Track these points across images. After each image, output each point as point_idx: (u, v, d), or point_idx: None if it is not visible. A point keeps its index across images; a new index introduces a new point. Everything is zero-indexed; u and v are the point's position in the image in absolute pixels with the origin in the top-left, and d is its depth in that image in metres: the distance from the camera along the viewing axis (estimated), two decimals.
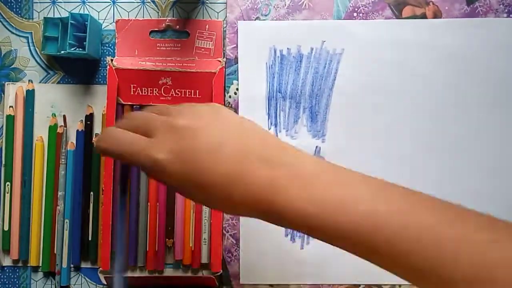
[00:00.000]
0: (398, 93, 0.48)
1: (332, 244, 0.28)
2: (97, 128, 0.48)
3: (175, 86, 0.47)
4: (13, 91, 0.48)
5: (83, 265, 0.48)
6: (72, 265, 0.48)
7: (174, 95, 0.48)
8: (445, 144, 0.47)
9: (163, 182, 0.30)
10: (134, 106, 0.48)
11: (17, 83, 0.49)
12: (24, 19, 0.49)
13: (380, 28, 0.48)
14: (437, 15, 0.48)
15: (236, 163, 0.28)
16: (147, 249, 0.47)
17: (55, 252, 0.47)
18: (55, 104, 0.49)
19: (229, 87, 0.48)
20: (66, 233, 0.47)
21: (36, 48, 0.49)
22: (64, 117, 0.48)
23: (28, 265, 0.48)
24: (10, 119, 0.48)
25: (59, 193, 0.47)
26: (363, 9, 0.48)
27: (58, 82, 0.49)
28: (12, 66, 0.49)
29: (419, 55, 0.48)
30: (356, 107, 0.48)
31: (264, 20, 0.48)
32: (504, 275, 0.24)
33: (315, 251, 0.47)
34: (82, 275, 0.48)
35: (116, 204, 0.46)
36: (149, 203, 0.48)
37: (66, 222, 0.47)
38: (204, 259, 0.47)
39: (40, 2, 0.49)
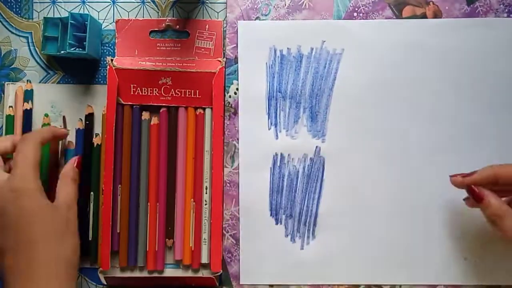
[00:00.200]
0: (398, 93, 0.48)
1: None
2: (97, 128, 0.48)
3: (175, 86, 0.47)
4: (12, 91, 0.48)
5: (83, 265, 0.48)
6: None
7: (174, 95, 0.48)
8: (445, 144, 0.47)
9: None
10: (134, 106, 0.48)
11: (17, 83, 0.49)
12: (24, 19, 0.49)
13: (380, 28, 0.48)
14: (437, 15, 0.48)
15: None
16: (147, 249, 0.47)
17: None
18: (55, 104, 0.49)
19: (229, 87, 0.48)
20: None
21: (36, 48, 0.49)
22: (64, 118, 0.48)
23: None
24: (10, 119, 0.48)
25: None
26: (363, 9, 0.48)
27: (58, 82, 0.49)
28: (12, 66, 0.49)
29: (419, 55, 0.48)
30: (357, 107, 0.48)
31: (264, 20, 0.48)
32: None
33: (315, 252, 0.47)
34: (82, 275, 0.48)
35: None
36: (149, 203, 0.47)
37: None
38: (204, 259, 0.47)
39: (40, 2, 0.49)
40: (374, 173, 0.48)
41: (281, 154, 0.48)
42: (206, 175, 0.48)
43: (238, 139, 0.48)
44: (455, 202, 0.47)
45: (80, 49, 0.46)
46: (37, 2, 0.49)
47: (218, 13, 0.49)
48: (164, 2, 0.49)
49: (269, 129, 0.48)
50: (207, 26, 0.49)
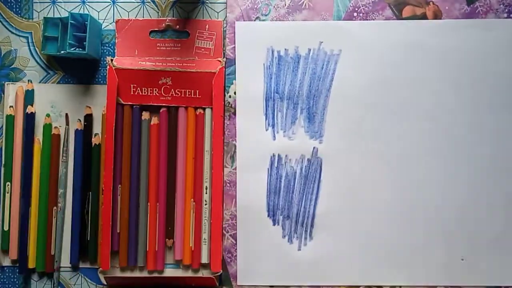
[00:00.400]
0: (397, 93, 0.48)
1: None
2: (97, 128, 0.48)
3: (175, 86, 0.47)
4: (13, 91, 0.48)
5: (82, 265, 0.48)
6: (70, 264, 0.48)
7: (174, 95, 0.48)
8: (444, 144, 0.47)
9: None
10: (134, 106, 0.48)
11: (17, 83, 0.49)
12: (24, 19, 0.49)
13: (379, 28, 0.48)
14: (437, 15, 0.48)
15: None
16: (147, 249, 0.47)
17: (52, 253, 0.47)
18: (55, 104, 0.49)
19: (229, 87, 0.48)
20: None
21: (36, 48, 0.49)
22: (67, 115, 0.48)
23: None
24: (10, 119, 0.48)
25: (60, 191, 0.47)
26: (363, 9, 0.48)
27: (58, 82, 0.49)
28: (12, 66, 0.49)
29: (418, 55, 0.48)
30: (354, 107, 0.48)
31: (264, 20, 0.48)
32: None
33: (313, 253, 0.47)
34: (82, 275, 0.48)
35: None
36: (149, 203, 0.48)
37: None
38: (204, 259, 0.47)
39: (40, 2, 0.49)
40: (372, 174, 0.48)
41: (279, 155, 0.48)
42: (206, 175, 0.48)
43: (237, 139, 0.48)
44: (455, 203, 0.47)
45: (80, 49, 0.46)
46: (37, 2, 0.49)
47: (218, 13, 0.49)
48: (164, 2, 0.49)
49: (266, 130, 0.48)
50: (207, 26, 0.49)
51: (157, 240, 0.47)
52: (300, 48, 0.48)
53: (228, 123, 0.48)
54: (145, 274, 0.48)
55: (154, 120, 0.48)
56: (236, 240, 0.47)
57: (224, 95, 0.48)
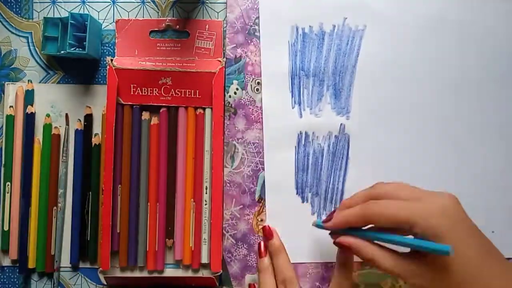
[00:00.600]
0: (422, 68, 0.47)
1: None
2: (97, 128, 0.48)
3: (175, 86, 0.47)
4: (13, 91, 0.48)
5: (82, 265, 0.48)
6: (70, 264, 0.48)
7: (174, 95, 0.48)
8: (471, 118, 0.47)
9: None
10: (134, 106, 0.48)
11: (17, 83, 0.49)
12: (24, 19, 0.49)
13: (403, 2, 0.48)
14: None
15: None
16: (147, 249, 0.47)
17: (52, 253, 0.47)
18: (55, 104, 0.49)
19: (229, 87, 0.48)
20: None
21: (36, 48, 0.49)
22: (67, 115, 0.48)
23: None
24: (10, 119, 0.48)
25: (60, 191, 0.47)
26: None
27: (58, 82, 0.49)
28: (12, 66, 0.49)
29: (444, 30, 0.47)
30: (380, 83, 0.48)
31: None
32: None
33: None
34: (82, 275, 0.48)
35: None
36: (149, 203, 0.48)
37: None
38: (204, 259, 0.47)
39: (40, 2, 0.49)
40: (399, 149, 0.47)
41: (306, 133, 0.48)
42: (206, 175, 0.48)
43: (238, 139, 0.48)
44: (492, 176, 0.47)
45: (80, 49, 0.46)
46: (37, 2, 0.49)
47: (218, 13, 0.49)
48: (164, 2, 0.49)
49: (292, 107, 0.48)
50: (207, 26, 0.49)
51: (157, 240, 0.47)
52: (325, 24, 0.48)
53: (228, 123, 0.48)
54: (145, 274, 0.48)
55: (154, 120, 0.48)
56: (236, 240, 0.47)
57: (224, 95, 0.48)
